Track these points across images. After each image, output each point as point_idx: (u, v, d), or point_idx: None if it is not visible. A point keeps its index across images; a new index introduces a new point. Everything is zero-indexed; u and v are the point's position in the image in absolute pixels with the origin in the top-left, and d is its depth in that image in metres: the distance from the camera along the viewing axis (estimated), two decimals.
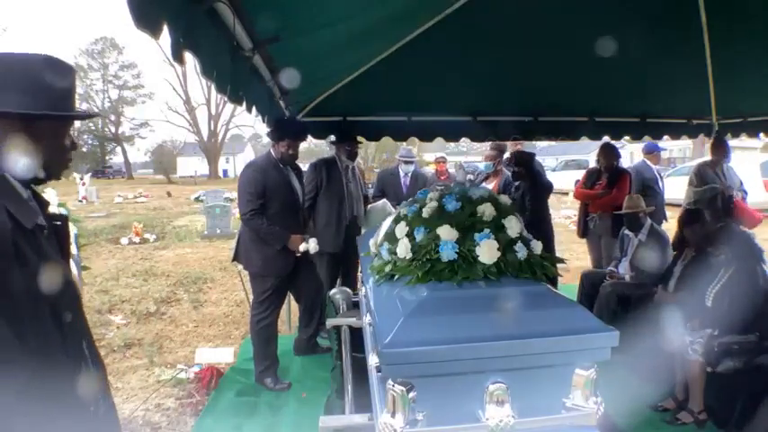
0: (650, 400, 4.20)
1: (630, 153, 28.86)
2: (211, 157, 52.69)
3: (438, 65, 5.04)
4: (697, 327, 3.96)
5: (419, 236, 2.19)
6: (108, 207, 23.31)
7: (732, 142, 6.81)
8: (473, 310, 1.86)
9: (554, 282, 3.98)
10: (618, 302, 5.23)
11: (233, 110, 49.78)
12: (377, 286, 2.33)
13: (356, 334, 3.03)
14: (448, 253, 2.06)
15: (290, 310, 5.87)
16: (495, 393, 1.79)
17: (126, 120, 56.81)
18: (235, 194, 7.94)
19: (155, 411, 4.39)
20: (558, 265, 2.36)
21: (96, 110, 53.97)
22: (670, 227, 5.81)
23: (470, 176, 7.04)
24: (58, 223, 1.72)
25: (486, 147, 7.28)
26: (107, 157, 60.48)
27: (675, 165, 22.10)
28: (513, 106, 6.08)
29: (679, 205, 7.17)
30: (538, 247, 2.22)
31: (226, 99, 3.02)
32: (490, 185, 6.36)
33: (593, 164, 7.70)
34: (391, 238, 2.34)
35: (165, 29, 1.79)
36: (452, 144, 7.64)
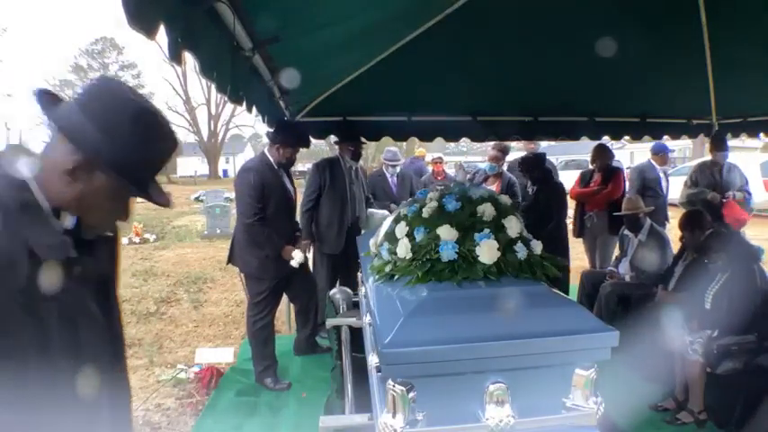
0: (650, 400, 4.21)
1: (631, 153, 28.83)
2: (211, 157, 52.62)
3: (438, 65, 5.03)
4: (696, 328, 3.97)
5: (419, 236, 2.19)
6: None
7: (732, 142, 6.81)
8: (473, 310, 1.86)
9: (560, 283, 3.98)
10: (618, 302, 5.24)
11: (233, 110, 49.72)
12: (377, 286, 2.33)
13: (356, 334, 3.03)
14: (448, 253, 2.06)
15: (290, 310, 5.88)
16: (495, 393, 1.79)
17: None
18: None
19: (155, 411, 4.39)
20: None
21: None
22: (673, 227, 5.81)
23: (469, 176, 7.06)
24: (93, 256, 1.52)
25: (486, 146, 7.28)
26: None
27: (675, 165, 22.05)
28: (513, 106, 6.07)
29: (674, 205, 7.19)
30: (538, 247, 2.22)
31: (226, 99, 3.02)
32: (491, 187, 6.36)
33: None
34: (391, 238, 2.34)
35: (162, 29, 1.79)
36: (453, 144, 7.62)
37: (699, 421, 3.90)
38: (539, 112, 6.22)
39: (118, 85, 1.43)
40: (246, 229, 4.50)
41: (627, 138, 6.75)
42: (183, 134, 52.98)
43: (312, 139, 5.81)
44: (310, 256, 4.64)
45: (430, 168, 9.19)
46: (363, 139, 5.92)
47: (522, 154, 7.07)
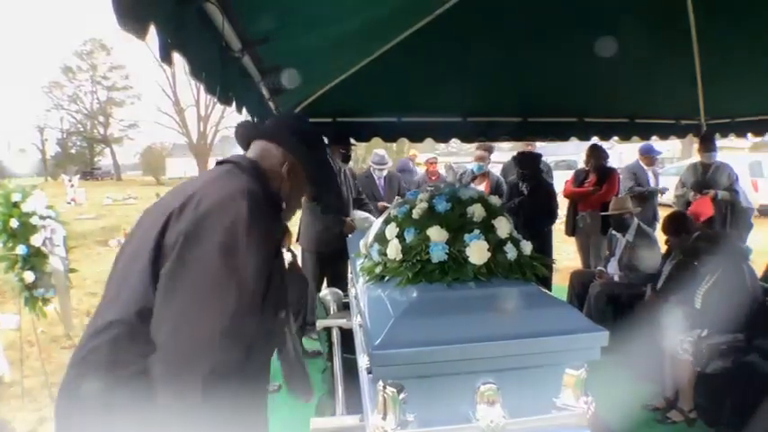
0: (641, 399, 4.23)
1: (620, 153, 28.94)
2: (201, 158, 52.43)
3: (428, 65, 5.03)
4: (686, 327, 3.98)
5: (409, 237, 2.19)
6: (97, 209, 23.15)
7: (721, 142, 6.85)
8: (463, 311, 1.86)
9: (546, 282, 3.99)
10: (607, 302, 5.26)
11: (222, 111, 49.54)
12: (367, 287, 2.32)
13: (347, 335, 3.03)
14: (438, 254, 2.06)
15: None
16: (485, 394, 1.79)
17: (115, 121, 56.38)
18: None
19: None
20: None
21: (86, 111, 53.68)
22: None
23: (458, 177, 7.06)
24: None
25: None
26: (96, 159, 59.96)
27: (663, 165, 22.16)
28: (503, 107, 6.08)
29: (668, 205, 7.23)
30: (527, 247, 2.22)
31: (215, 100, 3.00)
32: (479, 187, 6.38)
33: (581, 164, 7.74)
34: (381, 239, 2.34)
35: (152, 30, 1.78)
36: (443, 145, 7.62)
37: (689, 420, 3.92)
38: (528, 113, 6.23)
39: (295, 114, 2.14)
40: None
41: (616, 138, 6.77)
42: (173, 136, 52.78)
43: None
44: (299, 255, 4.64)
45: (417, 169, 9.20)
46: (353, 141, 5.92)
47: (514, 153, 7.09)
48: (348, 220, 5.21)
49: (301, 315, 5.11)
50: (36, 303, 4.56)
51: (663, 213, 6.96)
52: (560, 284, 6.45)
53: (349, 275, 3.53)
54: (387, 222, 2.39)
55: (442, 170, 9.04)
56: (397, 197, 4.79)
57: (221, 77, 2.75)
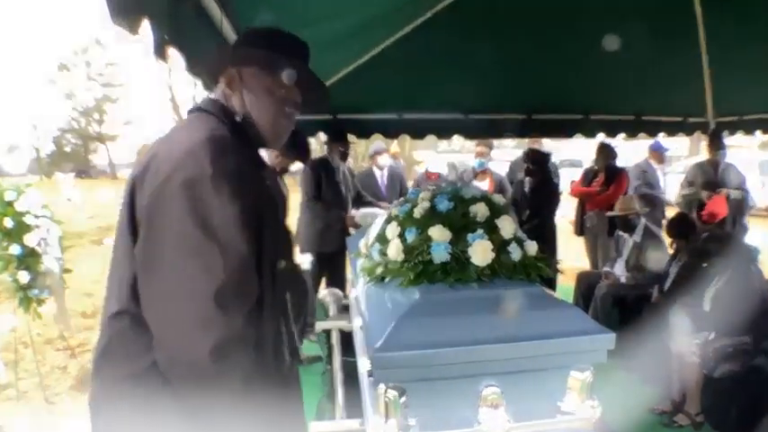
0: (647, 402, 4.19)
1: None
2: None
3: (430, 61, 5.01)
4: (694, 329, 3.94)
5: (410, 237, 2.14)
6: (92, 207, 23.15)
7: (729, 140, 6.81)
8: (466, 312, 1.82)
9: (550, 283, 3.95)
10: (613, 304, 5.22)
11: None
12: (368, 288, 2.29)
13: (347, 337, 2.99)
14: (440, 254, 2.02)
15: None
16: (489, 397, 1.76)
17: (110, 118, 56.39)
18: None
19: None
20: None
21: (80, 108, 53.71)
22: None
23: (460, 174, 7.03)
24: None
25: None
26: (90, 157, 60.00)
27: (671, 163, 22.17)
28: (507, 104, 6.05)
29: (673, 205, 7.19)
30: (532, 247, 2.18)
31: None
32: (482, 184, 6.35)
33: (586, 163, 7.70)
34: (382, 239, 2.30)
35: (146, 24, 1.76)
36: (445, 142, 7.60)
37: (696, 424, 3.88)
38: (532, 110, 6.20)
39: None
40: None
41: (622, 136, 6.73)
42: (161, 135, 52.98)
43: None
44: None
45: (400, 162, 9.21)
46: (354, 138, 5.90)
47: (519, 151, 7.07)
48: (349, 216, 5.18)
49: (301, 318, 5.08)
50: (31, 304, 4.53)
51: (669, 213, 6.95)
52: (566, 285, 6.41)
53: (349, 276, 3.49)
54: (388, 222, 2.36)
55: (441, 170, 9.02)
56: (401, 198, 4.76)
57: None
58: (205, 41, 2.56)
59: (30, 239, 4.43)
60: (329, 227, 5.44)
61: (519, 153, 7.57)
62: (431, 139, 6.52)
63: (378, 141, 7.23)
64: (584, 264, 7.04)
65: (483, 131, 6.34)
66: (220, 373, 1.33)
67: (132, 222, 1.46)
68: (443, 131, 6.29)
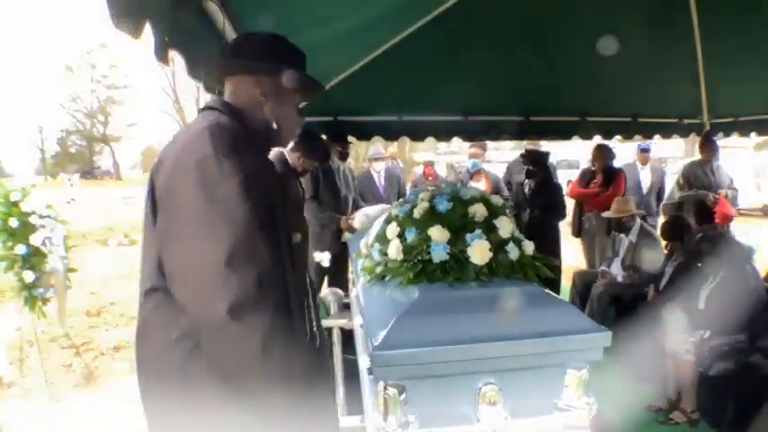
0: (643, 400, 4.20)
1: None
2: None
3: (429, 64, 5.02)
4: (689, 328, 3.96)
5: (410, 237, 2.17)
6: (96, 208, 23.16)
7: (725, 142, 6.83)
8: (465, 311, 1.85)
9: (552, 284, 3.97)
10: (610, 303, 5.24)
11: None
12: (368, 287, 2.31)
13: (348, 335, 3.01)
14: (439, 254, 2.04)
15: None
16: (487, 395, 1.78)
17: (114, 120, 56.34)
18: None
19: (143, 415, 4.35)
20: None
21: (85, 110, 53.69)
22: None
23: (459, 176, 7.06)
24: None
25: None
26: (95, 158, 59.97)
27: (667, 164, 22.15)
28: (505, 105, 6.06)
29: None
30: (529, 247, 2.20)
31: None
32: (478, 185, 6.37)
33: (584, 164, 7.70)
34: (382, 238, 2.32)
35: (148, 28, 1.77)
36: (444, 144, 7.59)
37: (691, 421, 3.90)
38: (530, 112, 6.22)
39: (245, 35, 2.01)
40: None
41: (618, 137, 6.75)
42: (173, 134, 52.79)
43: None
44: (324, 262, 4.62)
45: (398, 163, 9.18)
46: (353, 139, 5.92)
47: (516, 153, 7.07)
48: (344, 218, 5.19)
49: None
50: (36, 303, 4.55)
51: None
52: (563, 284, 6.43)
53: (350, 275, 3.51)
54: (388, 222, 2.38)
55: (440, 171, 9.02)
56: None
57: None
58: (207, 44, 2.57)
59: (35, 239, 4.45)
60: (324, 228, 5.46)
61: (516, 155, 7.60)
62: (430, 140, 6.53)
63: (377, 145, 7.26)
64: (581, 264, 7.06)
65: (482, 133, 6.36)
66: (240, 331, 1.42)
67: (152, 203, 1.58)
68: (443, 133, 6.30)
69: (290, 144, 4.56)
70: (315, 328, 1.88)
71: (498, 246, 2.11)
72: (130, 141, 58.37)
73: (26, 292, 4.52)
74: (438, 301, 1.89)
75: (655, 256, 5.13)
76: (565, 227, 6.58)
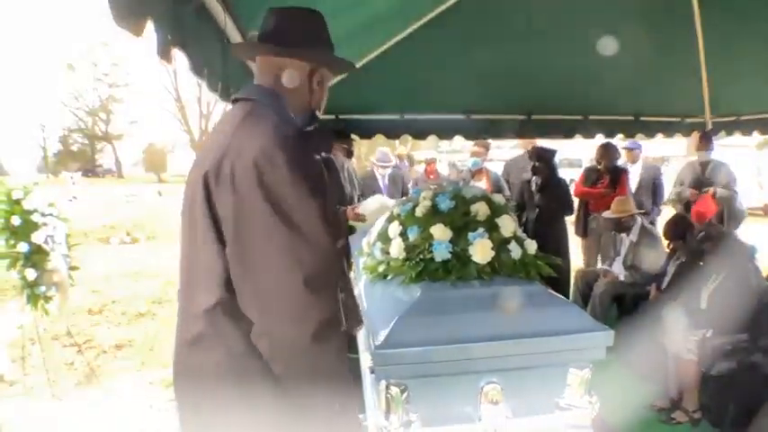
0: (645, 399, 4.19)
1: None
2: None
3: (431, 62, 5.02)
4: (691, 327, 3.96)
5: (412, 235, 2.17)
6: (98, 206, 23.17)
7: (726, 140, 6.81)
8: (467, 310, 1.85)
9: (559, 283, 3.96)
10: (612, 302, 5.23)
11: (224, 107, 49.17)
12: (370, 286, 2.31)
13: (349, 334, 3.01)
14: (441, 253, 2.04)
15: None
16: (489, 393, 1.78)
17: (116, 118, 56.37)
18: None
19: (146, 412, 4.36)
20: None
21: (87, 108, 53.73)
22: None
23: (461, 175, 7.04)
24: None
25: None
26: (97, 156, 60.01)
27: (669, 162, 22.16)
28: (507, 104, 6.06)
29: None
30: (531, 246, 2.20)
31: (217, 97, 2.99)
32: (479, 183, 6.35)
33: (586, 162, 7.65)
34: (384, 237, 2.32)
35: (150, 26, 1.77)
36: (447, 142, 7.56)
37: (693, 420, 3.90)
38: (532, 111, 6.21)
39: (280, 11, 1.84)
40: None
41: (620, 136, 6.74)
42: (175, 133, 52.70)
43: None
44: None
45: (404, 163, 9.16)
46: (356, 137, 5.92)
47: (517, 151, 7.04)
48: (350, 208, 5.14)
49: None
50: (38, 301, 4.55)
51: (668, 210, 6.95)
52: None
53: (351, 274, 3.50)
54: (390, 221, 2.38)
55: (442, 169, 9.00)
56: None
57: (223, 74, 2.74)
58: (208, 42, 2.57)
59: (37, 237, 4.45)
60: None
61: (515, 153, 7.60)
62: (432, 139, 6.52)
63: (385, 151, 7.25)
64: (581, 262, 7.05)
65: (484, 132, 6.35)
66: (322, 350, 1.46)
67: (212, 217, 1.53)
68: (445, 132, 6.29)
69: None
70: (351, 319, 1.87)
71: (500, 244, 2.11)
72: (132, 139, 58.31)
73: (28, 290, 4.53)
74: (440, 300, 1.89)
75: (654, 256, 5.12)
76: (569, 225, 6.56)
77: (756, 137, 6.99)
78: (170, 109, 50.91)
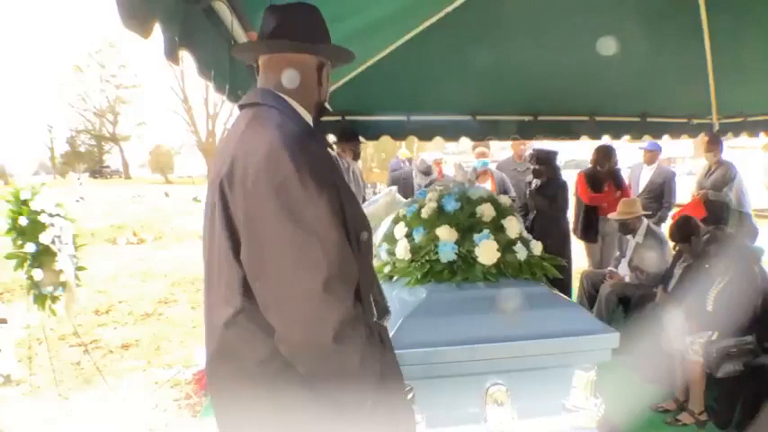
0: (651, 400, 4.19)
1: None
2: (209, 157, 52.38)
3: (437, 63, 5.03)
4: (697, 328, 3.95)
5: (418, 236, 2.17)
6: (105, 207, 23.23)
7: (734, 141, 6.78)
8: (472, 311, 1.85)
9: (562, 284, 3.95)
10: (618, 303, 5.22)
11: (231, 109, 49.37)
12: None
13: None
14: (447, 254, 2.05)
15: None
16: (494, 395, 1.78)
17: (123, 119, 56.57)
18: None
19: (152, 412, 4.37)
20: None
21: (94, 109, 53.92)
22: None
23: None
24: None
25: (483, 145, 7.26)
26: (104, 157, 60.21)
27: (675, 163, 22.09)
28: (513, 105, 6.05)
29: (681, 205, 7.13)
30: (537, 247, 2.20)
31: (224, 98, 3.01)
32: (484, 184, 6.35)
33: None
34: (390, 238, 2.33)
35: (158, 28, 1.77)
36: (453, 144, 7.54)
37: (699, 422, 3.89)
38: (538, 111, 6.20)
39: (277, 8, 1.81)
40: None
41: (627, 137, 6.72)
42: (181, 134, 52.81)
43: None
44: None
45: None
46: (362, 139, 5.92)
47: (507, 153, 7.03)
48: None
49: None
50: (45, 301, 4.57)
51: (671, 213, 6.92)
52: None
53: None
54: (396, 222, 2.38)
55: (447, 170, 8.97)
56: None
57: (230, 75, 2.75)
58: (215, 44, 2.58)
59: (44, 237, 4.47)
60: None
61: (505, 155, 7.62)
62: (438, 140, 6.52)
63: (428, 162, 7.21)
64: (585, 264, 7.02)
65: (489, 133, 6.34)
66: (343, 352, 1.43)
67: (229, 226, 1.53)
68: (451, 133, 6.28)
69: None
70: (380, 312, 1.85)
71: (506, 246, 2.11)
72: (139, 140, 58.52)
73: (35, 290, 4.54)
74: (445, 302, 1.90)
75: (657, 258, 5.10)
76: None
77: (763, 138, 6.95)
78: (177, 110, 51.05)
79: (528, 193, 6.32)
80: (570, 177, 6.46)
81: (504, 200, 2.36)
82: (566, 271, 5.34)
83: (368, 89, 5.30)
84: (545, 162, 6.08)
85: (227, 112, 51.05)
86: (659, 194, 6.85)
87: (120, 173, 57.48)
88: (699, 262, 4.31)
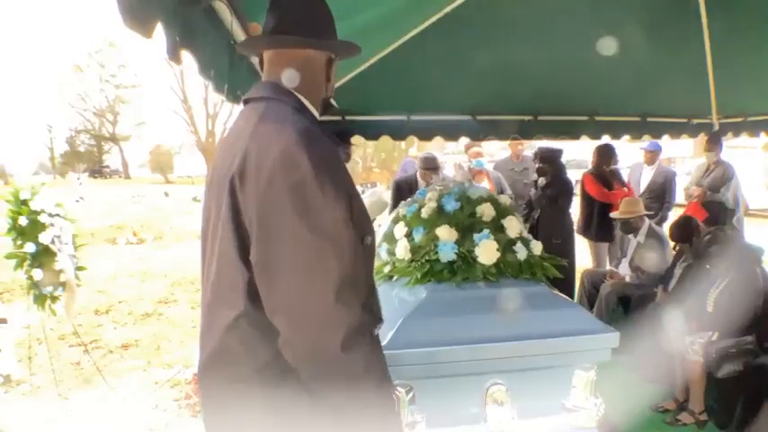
0: (651, 400, 4.19)
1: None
2: (209, 156, 52.36)
3: (437, 63, 5.02)
4: (697, 328, 3.95)
5: (418, 236, 2.17)
6: (105, 207, 23.23)
7: (734, 141, 6.79)
8: (472, 311, 1.85)
9: (564, 284, 3.94)
10: (618, 303, 5.22)
11: (231, 109, 49.34)
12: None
13: None
14: (447, 254, 2.05)
15: None
16: (494, 395, 1.78)
17: (123, 119, 56.61)
18: None
19: (152, 412, 4.37)
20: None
21: (94, 109, 53.94)
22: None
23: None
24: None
25: (484, 145, 7.25)
26: (104, 157, 60.26)
27: (675, 163, 22.10)
28: (513, 105, 6.05)
29: (681, 205, 7.14)
30: (537, 247, 2.20)
31: (223, 98, 3.00)
32: (481, 184, 6.35)
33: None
34: (390, 238, 2.33)
35: (159, 28, 1.77)
36: (453, 143, 7.52)
37: (699, 422, 3.89)
38: (538, 111, 6.20)
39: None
40: None
41: (627, 137, 6.72)
42: (181, 134, 52.83)
43: None
44: None
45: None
46: (362, 139, 5.92)
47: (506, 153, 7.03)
48: None
49: None
50: (45, 301, 4.58)
51: (671, 214, 6.92)
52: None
53: None
54: (395, 222, 2.38)
55: (447, 170, 8.95)
56: None
57: (229, 76, 2.74)
58: (215, 44, 2.58)
59: (44, 237, 4.47)
60: None
61: (506, 155, 7.62)
62: (438, 140, 6.51)
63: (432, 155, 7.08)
64: (588, 263, 7.02)
65: (489, 133, 6.34)
66: (350, 359, 1.39)
67: (237, 227, 1.48)
68: (450, 133, 6.28)
69: None
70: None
71: (506, 245, 2.11)
72: (139, 140, 58.65)
73: (35, 290, 4.55)
74: (445, 301, 1.90)
75: (657, 258, 5.10)
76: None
77: (763, 138, 6.96)
78: (177, 110, 51.07)
79: (532, 191, 6.32)
80: (572, 177, 6.45)
81: (504, 199, 2.36)
82: (568, 270, 5.34)
83: (368, 89, 5.29)
84: (549, 160, 6.08)
85: (227, 112, 51.04)
86: (660, 194, 6.86)
87: (119, 173, 57.51)
88: (699, 262, 4.31)
